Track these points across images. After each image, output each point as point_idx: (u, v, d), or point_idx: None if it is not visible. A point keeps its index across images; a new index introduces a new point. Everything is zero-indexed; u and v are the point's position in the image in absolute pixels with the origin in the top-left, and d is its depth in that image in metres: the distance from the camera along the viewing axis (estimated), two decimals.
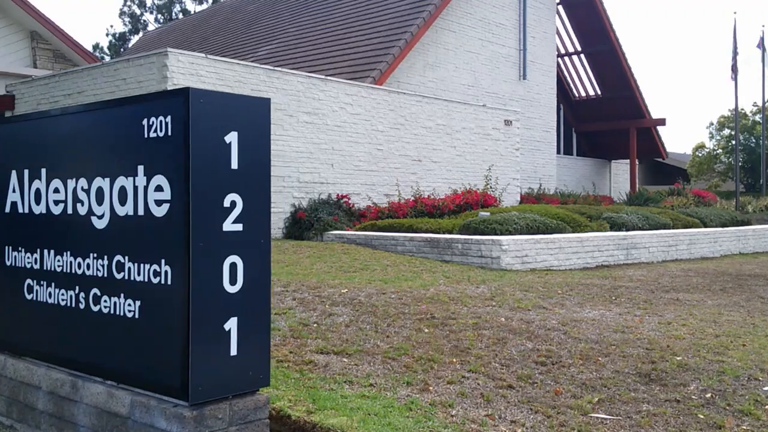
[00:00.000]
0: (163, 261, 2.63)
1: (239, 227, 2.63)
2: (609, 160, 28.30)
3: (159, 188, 2.65)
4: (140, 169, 2.71)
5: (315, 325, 5.27)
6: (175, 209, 2.58)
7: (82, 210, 2.99)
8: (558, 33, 25.45)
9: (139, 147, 2.72)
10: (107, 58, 36.19)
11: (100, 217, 2.89)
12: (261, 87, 12.19)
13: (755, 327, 6.11)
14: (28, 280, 3.29)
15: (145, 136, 2.68)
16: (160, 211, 2.64)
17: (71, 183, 3.04)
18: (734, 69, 21.59)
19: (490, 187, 14.57)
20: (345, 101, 13.60)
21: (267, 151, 2.75)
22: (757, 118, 33.04)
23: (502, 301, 6.82)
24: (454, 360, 4.58)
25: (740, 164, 33.43)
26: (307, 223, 12.21)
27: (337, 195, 13.19)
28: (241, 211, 2.63)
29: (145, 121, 2.68)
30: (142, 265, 2.72)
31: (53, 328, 3.19)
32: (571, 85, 27.04)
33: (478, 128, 16.63)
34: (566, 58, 26.42)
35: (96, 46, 40.18)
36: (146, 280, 2.70)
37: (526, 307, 6.56)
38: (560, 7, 24.87)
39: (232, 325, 2.60)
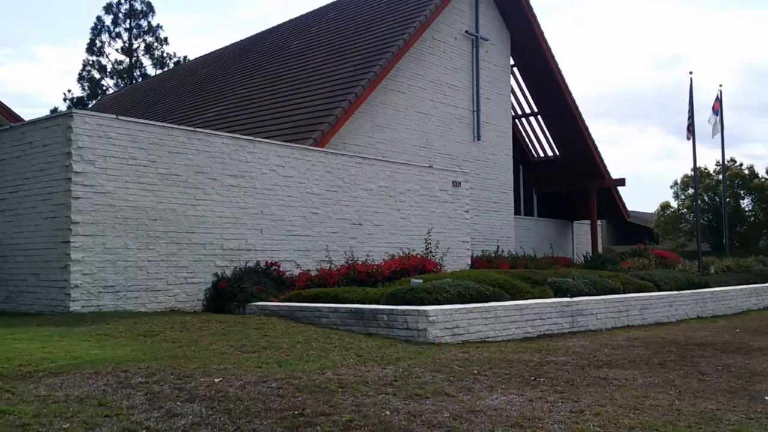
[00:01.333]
0: None
1: None
2: (571, 221, 27.79)
3: None
4: None
5: None
6: None
7: None
8: (515, 94, 25.26)
9: None
10: None
11: None
12: (180, 149, 11.45)
13: (679, 415, 5.28)
14: None
15: None
16: None
17: None
18: (690, 129, 21.29)
19: (431, 252, 13.80)
20: (276, 163, 12.88)
21: None
22: (721, 177, 32.90)
23: (401, 387, 5.95)
24: None
25: (706, 224, 33.17)
26: (228, 294, 11.32)
27: (266, 262, 12.33)
28: None
29: None
30: None
31: None
32: (530, 146, 26.70)
33: (425, 190, 15.97)
34: (524, 119, 26.14)
35: (54, 111, 39.61)
36: None
37: (425, 395, 5.70)
38: (516, 69, 24.71)
39: None
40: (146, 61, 40.46)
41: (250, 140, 12.59)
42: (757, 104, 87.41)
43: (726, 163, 35.05)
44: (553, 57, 23.63)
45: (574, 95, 24.74)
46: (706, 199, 33.49)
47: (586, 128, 24.71)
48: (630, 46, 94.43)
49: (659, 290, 14.18)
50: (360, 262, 12.49)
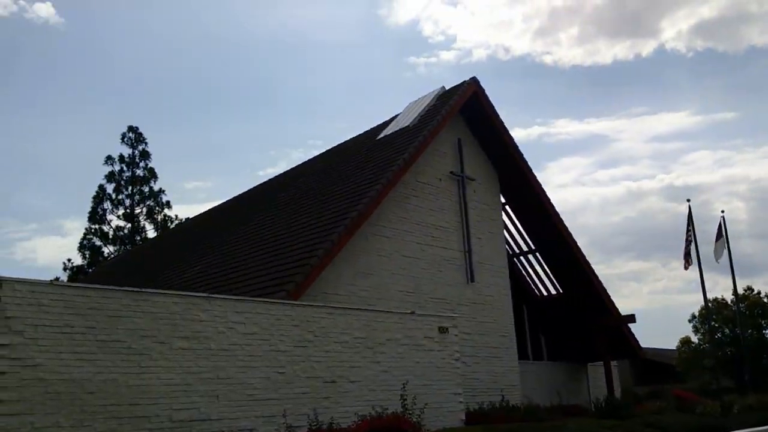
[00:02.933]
0: None
1: None
2: (584, 363, 26.13)
3: None
4: None
5: None
6: None
7: None
8: (510, 232, 24.61)
9: None
10: None
11: None
12: (123, 312, 10.60)
13: None
14: None
15: None
16: None
17: None
18: (687, 258, 20.37)
19: (407, 409, 12.48)
20: (234, 320, 11.94)
21: None
22: (737, 307, 31.34)
23: None
24: None
25: (729, 357, 31.26)
26: None
27: None
28: None
29: None
30: None
31: None
32: (532, 285, 25.63)
33: (407, 339, 14.84)
34: (522, 258, 25.26)
35: (55, 280, 39.50)
36: None
37: None
38: (508, 207, 24.18)
39: None
40: (148, 226, 40.90)
41: (204, 297, 11.75)
42: None
43: (743, 291, 33.66)
44: (544, 193, 23.13)
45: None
46: (726, 331, 31.80)
47: (587, 263, 23.75)
48: (641, 181, 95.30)
49: None
50: (325, 427, 11.20)
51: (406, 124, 21.45)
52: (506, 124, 22.36)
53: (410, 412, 12.46)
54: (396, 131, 21.66)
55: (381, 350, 14.22)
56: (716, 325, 32.65)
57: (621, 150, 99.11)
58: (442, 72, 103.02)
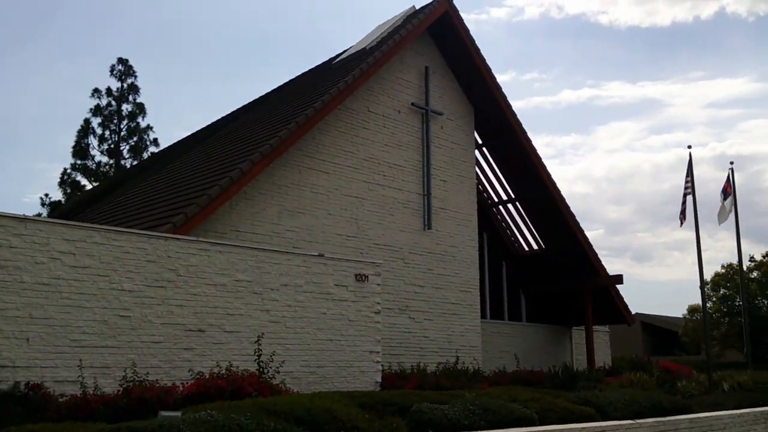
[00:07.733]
0: None
1: None
2: (569, 326, 23.56)
3: None
4: None
5: None
6: None
7: None
8: (488, 178, 22.04)
9: None
10: None
11: None
12: None
13: None
14: None
15: None
16: None
17: None
18: (684, 213, 17.58)
19: (262, 367, 10.15)
20: (61, 249, 9.69)
21: None
22: (754, 274, 28.26)
23: None
24: None
25: (739, 330, 28.33)
26: None
27: (29, 384, 8.93)
28: None
29: None
30: None
31: None
32: (512, 239, 23.00)
33: (311, 285, 12.48)
34: (502, 208, 22.60)
35: (38, 216, 38.04)
36: None
37: None
38: (486, 149, 21.50)
39: None
40: (133, 163, 38.94)
41: (18, 219, 9.51)
42: None
43: (762, 258, 30.50)
44: (525, 135, 20.31)
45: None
46: (739, 301, 28.77)
47: (572, 216, 20.99)
48: (693, 149, 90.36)
49: (604, 419, 10.13)
50: (146, 383, 8.95)
51: (364, 47, 18.80)
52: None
53: (263, 370, 10.13)
54: (352, 55, 19.05)
55: (272, 296, 11.90)
56: (728, 293, 29.68)
57: (675, 115, 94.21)
58: (492, 30, 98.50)
